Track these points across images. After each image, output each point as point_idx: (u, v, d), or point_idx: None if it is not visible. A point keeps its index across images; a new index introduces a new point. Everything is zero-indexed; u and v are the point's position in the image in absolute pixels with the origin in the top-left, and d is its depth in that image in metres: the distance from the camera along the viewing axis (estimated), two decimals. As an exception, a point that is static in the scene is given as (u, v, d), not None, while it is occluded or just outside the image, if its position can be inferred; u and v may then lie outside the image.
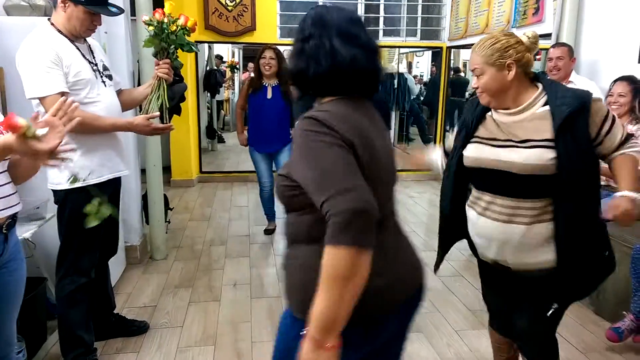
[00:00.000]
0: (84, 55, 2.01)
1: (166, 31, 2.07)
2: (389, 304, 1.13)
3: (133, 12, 3.31)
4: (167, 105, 2.18)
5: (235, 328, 2.63)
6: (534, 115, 1.50)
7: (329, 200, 0.94)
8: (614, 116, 1.49)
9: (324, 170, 0.97)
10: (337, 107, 1.10)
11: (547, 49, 3.33)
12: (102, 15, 2.00)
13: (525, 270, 1.56)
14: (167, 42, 2.11)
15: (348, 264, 0.92)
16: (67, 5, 1.92)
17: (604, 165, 1.54)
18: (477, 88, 1.56)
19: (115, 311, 2.52)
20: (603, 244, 1.54)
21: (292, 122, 3.81)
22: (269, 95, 3.74)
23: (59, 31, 1.96)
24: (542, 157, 1.43)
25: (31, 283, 2.03)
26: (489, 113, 1.61)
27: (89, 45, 2.10)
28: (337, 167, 0.97)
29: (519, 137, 1.50)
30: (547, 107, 1.47)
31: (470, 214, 1.64)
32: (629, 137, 1.50)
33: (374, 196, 0.97)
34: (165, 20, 2.07)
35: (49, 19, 2.00)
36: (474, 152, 1.59)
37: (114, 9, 2.01)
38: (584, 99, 1.44)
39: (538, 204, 1.48)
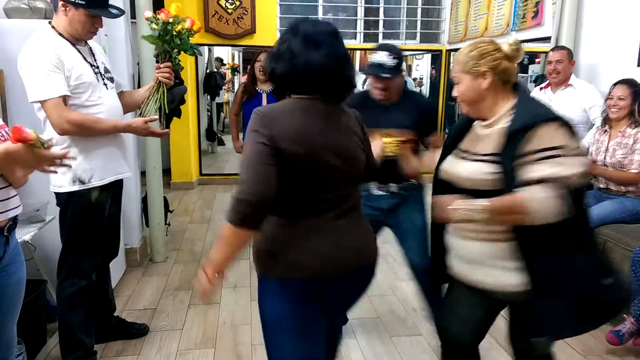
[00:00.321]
0: (85, 58, 2.02)
1: (170, 33, 2.05)
2: (324, 266, 1.32)
3: (133, 15, 3.31)
4: (166, 110, 2.15)
5: (235, 331, 2.62)
6: (499, 129, 1.39)
7: (238, 184, 1.21)
8: (558, 160, 1.26)
9: (244, 160, 1.23)
10: (287, 104, 1.31)
11: (546, 52, 3.34)
12: (102, 18, 2.00)
13: (501, 292, 1.44)
14: (171, 45, 2.09)
15: (230, 235, 1.23)
16: (68, 8, 1.92)
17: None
18: (457, 97, 1.48)
19: (115, 314, 2.52)
20: (599, 270, 1.38)
21: None
22: (264, 102, 3.62)
23: (60, 34, 1.96)
24: (479, 170, 1.37)
25: (31, 285, 2.04)
26: (475, 122, 1.53)
27: (90, 47, 2.10)
28: (250, 160, 1.21)
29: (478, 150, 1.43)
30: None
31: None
32: (549, 181, 1.25)
33: (310, 184, 1.28)
34: (171, 21, 2.03)
35: (50, 22, 2.00)
36: (446, 165, 1.52)
37: (114, 11, 2.01)
38: (535, 119, 1.30)
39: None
